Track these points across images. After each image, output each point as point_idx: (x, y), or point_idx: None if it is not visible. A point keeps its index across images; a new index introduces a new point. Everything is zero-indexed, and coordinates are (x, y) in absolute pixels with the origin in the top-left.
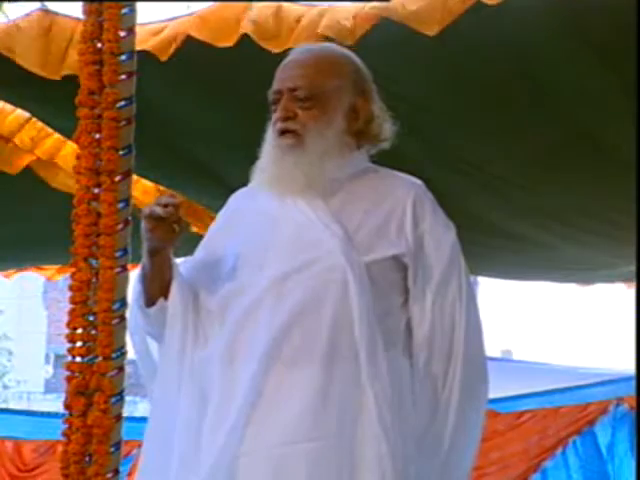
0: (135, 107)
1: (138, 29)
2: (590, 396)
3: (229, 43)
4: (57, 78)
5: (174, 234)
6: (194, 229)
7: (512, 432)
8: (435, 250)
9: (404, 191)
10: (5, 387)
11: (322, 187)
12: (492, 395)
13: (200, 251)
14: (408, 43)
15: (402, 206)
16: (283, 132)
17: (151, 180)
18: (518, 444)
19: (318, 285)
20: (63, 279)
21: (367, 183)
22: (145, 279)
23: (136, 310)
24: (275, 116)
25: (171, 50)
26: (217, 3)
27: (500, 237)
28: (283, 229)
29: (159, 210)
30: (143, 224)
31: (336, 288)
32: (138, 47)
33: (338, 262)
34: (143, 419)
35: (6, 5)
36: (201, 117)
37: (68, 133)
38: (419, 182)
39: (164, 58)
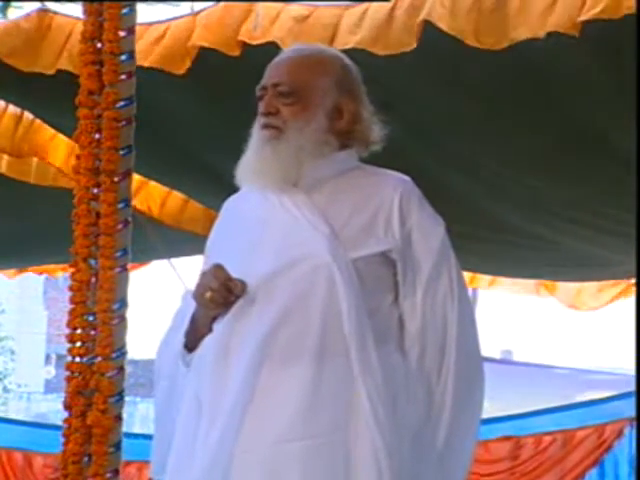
0: (135, 107)
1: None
2: (605, 414)
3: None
4: (51, 72)
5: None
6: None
7: (534, 466)
8: (423, 246)
9: (391, 188)
10: (6, 390)
11: (302, 182)
12: (500, 406)
13: (203, 265)
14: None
15: (389, 203)
16: (265, 126)
17: (155, 180)
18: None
19: (305, 283)
20: (63, 279)
21: (354, 180)
22: (194, 332)
23: (174, 361)
24: (259, 111)
25: (186, 65)
26: (219, 6)
27: (502, 234)
28: (271, 229)
29: (218, 297)
30: (199, 300)
31: (323, 285)
32: (150, 62)
33: (324, 260)
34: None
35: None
36: (204, 118)
37: (68, 133)
38: (407, 178)
39: (180, 72)
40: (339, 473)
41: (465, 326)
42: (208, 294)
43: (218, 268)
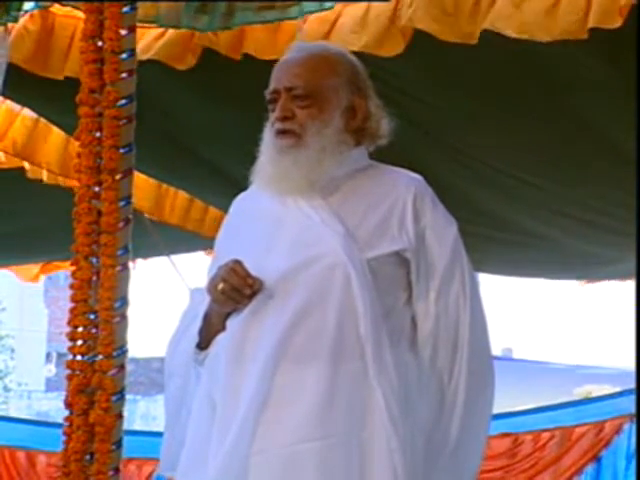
0: (136, 105)
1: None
2: (605, 411)
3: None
4: (59, 78)
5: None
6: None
7: (532, 464)
8: (437, 245)
9: (404, 187)
10: (6, 389)
11: (322, 185)
12: (503, 405)
13: (213, 266)
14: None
15: (403, 202)
16: (282, 132)
17: (159, 179)
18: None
19: (321, 283)
20: (64, 277)
21: (367, 180)
22: (207, 330)
23: (186, 360)
24: (273, 116)
25: (189, 61)
26: None
27: (504, 231)
28: (285, 230)
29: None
30: (214, 294)
31: (339, 286)
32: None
33: (340, 260)
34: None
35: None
36: (207, 115)
37: (69, 131)
38: (419, 177)
39: (183, 67)
40: (354, 473)
41: (477, 326)
42: (220, 285)
43: (237, 263)
